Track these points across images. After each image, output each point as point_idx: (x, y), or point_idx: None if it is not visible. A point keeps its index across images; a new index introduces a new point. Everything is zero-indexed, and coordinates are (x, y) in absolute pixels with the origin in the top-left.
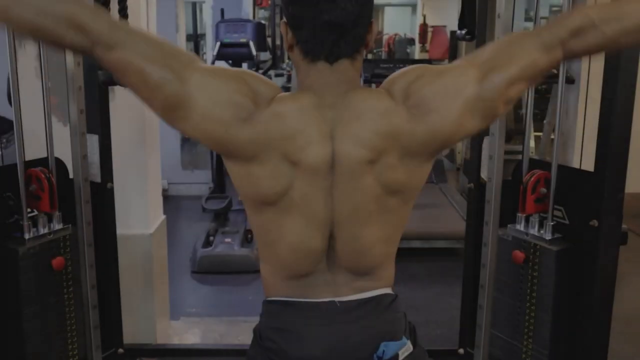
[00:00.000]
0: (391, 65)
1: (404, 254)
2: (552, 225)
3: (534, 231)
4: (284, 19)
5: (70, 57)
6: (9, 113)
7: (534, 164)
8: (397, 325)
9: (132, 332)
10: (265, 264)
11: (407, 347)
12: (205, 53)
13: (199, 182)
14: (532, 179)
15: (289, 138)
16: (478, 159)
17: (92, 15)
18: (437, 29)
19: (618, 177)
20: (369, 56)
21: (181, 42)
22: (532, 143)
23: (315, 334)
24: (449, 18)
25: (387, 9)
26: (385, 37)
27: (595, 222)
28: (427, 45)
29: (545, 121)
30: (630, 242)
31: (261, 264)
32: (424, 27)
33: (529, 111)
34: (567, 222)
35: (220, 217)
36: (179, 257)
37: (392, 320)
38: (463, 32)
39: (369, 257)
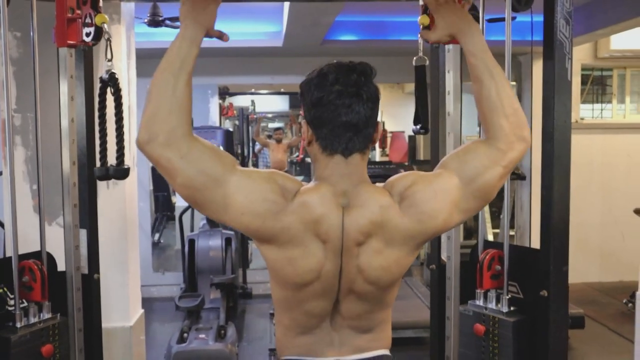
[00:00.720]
0: None
1: None
2: (508, 299)
3: (492, 305)
4: (305, 119)
5: (66, 156)
6: None
7: (488, 245)
8: None
9: None
10: (280, 327)
11: None
12: None
13: (170, 283)
14: (487, 257)
15: (316, 222)
16: (438, 243)
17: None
18: (396, 134)
19: (561, 252)
20: None
21: None
22: (490, 237)
23: None
24: (406, 124)
25: None
26: None
27: (545, 292)
28: (387, 150)
29: (501, 216)
30: (587, 327)
31: (276, 328)
32: (383, 133)
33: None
34: (521, 296)
35: (193, 315)
36: (155, 355)
37: None
38: (418, 127)
39: (364, 317)
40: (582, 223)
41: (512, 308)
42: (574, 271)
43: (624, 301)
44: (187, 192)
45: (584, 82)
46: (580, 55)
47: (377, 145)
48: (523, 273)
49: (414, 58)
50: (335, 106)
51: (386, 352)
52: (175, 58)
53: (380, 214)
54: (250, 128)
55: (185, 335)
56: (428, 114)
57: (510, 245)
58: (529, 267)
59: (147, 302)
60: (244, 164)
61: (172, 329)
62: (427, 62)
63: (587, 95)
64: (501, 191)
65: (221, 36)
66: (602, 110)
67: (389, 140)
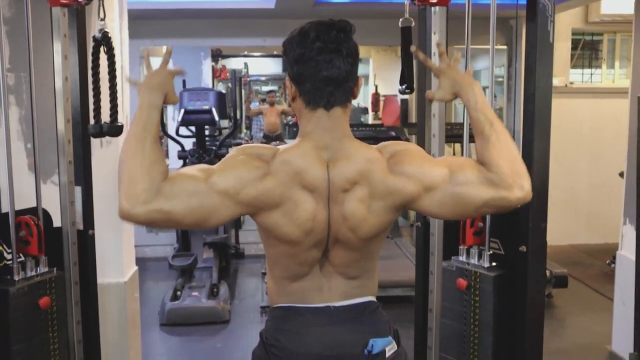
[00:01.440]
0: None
1: None
2: (490, 254)
3: (474, 261)
4: (289, 76)
5: (60, 115)
6: None
7: None
8: (383, 327)
9: None
10: (271, 278)
11: (392, 345)
12: (166, 124)
13: (164, 243)
14: None
15: (299, 174)
16: None
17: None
18: (389, 98)
19: (540, 210)
20: None
21: None
22: None
23: (313, 333)
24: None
25: None
26: None
27: (523, 248)
28: (380, 113)
29: None
30: (570, 286)
31: (268, 279)
32: (376, 97)
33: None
34: (502, 252)
35: (187, 274)
36: (148, 314)
37: (377, 322)
38: (403, 87)
39: (351, 265)
40: (570, 186)
41: (493, 263)
42: (562, 233)
43: (607, 262)
44: (195, 220)
45: (574, 47)
46: (571, 19)
47: (370, 108)
48: (505, 230)
49: (400, 19)
50: (317, 62)
51: (372, 298)
52: (138, 126)
53: (367, 166)
54: (243, 91)
55: (179, 293)
56: (413, 74)
57: None
58: (510, 224)
59: (141, 262)
60: (236, 126)
61: (165, 288)
62: (413, 24)
63: (577, 60)
64: None
65: (176, 102)
66: (591, 75)
67: (381, 103)
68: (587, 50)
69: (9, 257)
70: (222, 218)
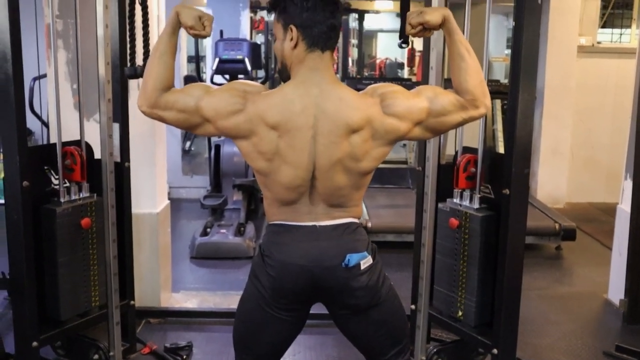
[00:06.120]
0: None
1: (381, 246)
2: (480, 197)
3: (466, 203)
4: (293, 23)
5: (101, 59)
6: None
7: (466, 150)
8: (361, 243)
9: (140, 299)
10: (266, 199)
11: (367, 260)
12: (205, 73)
13: (198, 186)
14: (464, 160)
15: (272, 108)
16: (424, 149)
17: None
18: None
19: (523, 156)
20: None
21: (182, 63)
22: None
23: (300, 247)
24: (435, 42)
25: (379, 34)
26: (378, 62)
27: (507, 191)
28: (415, 69)
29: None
30: (579, 240)
31: (264, 200)
32: (412, 52)
33: None
34: (493, 196)
35: (217, 213)
36: (180, 247)
37: (356, 239)
38: (400, 41)
39: (339, 194)
40: (592, 144)
41: (482, 205)
42: (580, 190)
43: None
44: (184, 128)
45: (605, 6)
46: None
47: (405, 63)
48: (495, 176)
49: None
50: (324, 10)
51: (354, 220)
52: (158, 44)
53: (366, 109)
54: None
55: (208, 230)
56: None
57: (484, 151)
58: (500, 170)
59: (176, 202)
60: (269, 77)
61: (197, 226)
62: None
63: (608, 18)
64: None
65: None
66: (621, 34)
67: (417, 59)
68: (618, 9)
69: (56, 182)
70: (205, 133)
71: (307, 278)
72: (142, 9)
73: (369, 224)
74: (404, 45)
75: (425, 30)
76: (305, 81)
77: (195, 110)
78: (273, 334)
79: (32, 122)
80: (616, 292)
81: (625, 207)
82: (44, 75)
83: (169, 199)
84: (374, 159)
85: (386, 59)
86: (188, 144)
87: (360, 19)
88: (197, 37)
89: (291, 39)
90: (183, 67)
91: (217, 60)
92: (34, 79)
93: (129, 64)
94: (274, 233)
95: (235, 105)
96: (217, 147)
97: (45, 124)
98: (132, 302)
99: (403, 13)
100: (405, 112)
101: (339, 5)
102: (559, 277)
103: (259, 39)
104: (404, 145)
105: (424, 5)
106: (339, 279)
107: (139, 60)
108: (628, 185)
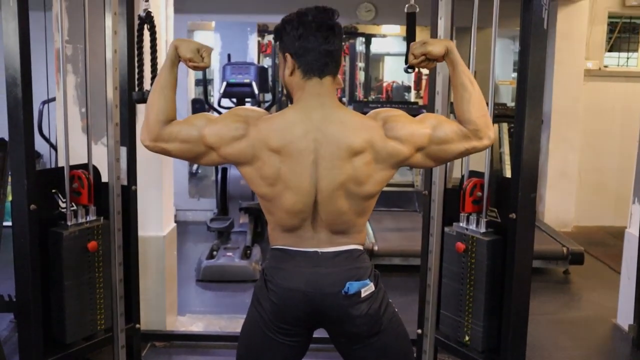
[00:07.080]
0: (388, 106)
1: (387, 269)
2: (486, 221)
3: (472, 227)
4: (288, 52)
5: (110, 83)
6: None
7: (473, 174)
8: (363, 271)
9: (145, 322)
10: (270, 224)
11: (369, 287)
12: (212, 96)
13: (204, 209)
14: (470, 184)
15: (274, 132)
16: (430, 173)
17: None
18: None
19: (529, 180)
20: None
21: (190, 87)
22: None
23: (301, 272)
24: (441, 67)
25: (386, 58)
26: (384, 85)
27: (513, 215)
28: (422, 92)
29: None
30: (587, 264)
31: (268, 226)
32: (418, 75)
33: None
34: (499, 220)
35: (223, 236)
36: (186, 270)
37: (358, 267)
38: (406, 66)
39: (342, 220)
40: (600, 168)
41: (489, 230)
42: (589, 214)
43: None
44: (188, 159)
45: (612, 30)
46: (608, 3)
47: (412, 86)
48: (502, 200)
49: (406, 5)
50: (316, 37)
51: (358, 247)
52: (158, 77)
53: (367, 133)
54: None
55: (215, 252)
56: None
57: (490, 175)
58: (507, 194)
59: (182, 225)
60: (275, 100)
61: (203, 249)
62: (417, 10)
63: (614, 42)
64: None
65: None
66: (627, 58)
67: (424, 82)
68: (624, 33)
69: (63, 205)
70: (209, 162)
71: (308, 304)
72: (151, 35)
73: (376, 247)
74: (409, 70)
75: (429, 61)
76: (307, 106)
77: (199, 138)
78: (275, 359)
79: (40, 145)
80: (625, 317)
81: (633, 231)
82: (53, 99)
83: (176, 221)
84: (377, 182)
85: (393, 82)
86: (195, 166)
87: (367, 43)
88: (196, 69)
89: (288, 67)
90: (191, 91)
91: (224, 83)
92: (43, 102)
93: (136, 89)
94: (276, 258)
95: (238, 131)
96: (224, 170)
97: (54, 147)
98: (137, 326)
99: (408, 41)
100: (407, 135)
101: (335, 29)
102: (567, 301)
103: (267, 62)
104: (411, 168)
105: (430, 29)
106: (338, 307)
107: (147, 85)
108: (636, 209)
